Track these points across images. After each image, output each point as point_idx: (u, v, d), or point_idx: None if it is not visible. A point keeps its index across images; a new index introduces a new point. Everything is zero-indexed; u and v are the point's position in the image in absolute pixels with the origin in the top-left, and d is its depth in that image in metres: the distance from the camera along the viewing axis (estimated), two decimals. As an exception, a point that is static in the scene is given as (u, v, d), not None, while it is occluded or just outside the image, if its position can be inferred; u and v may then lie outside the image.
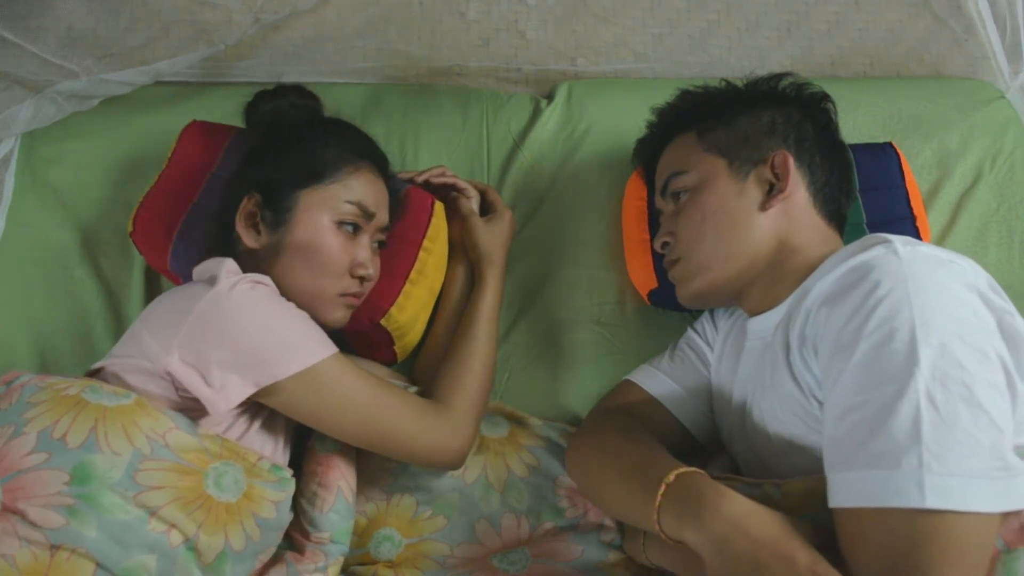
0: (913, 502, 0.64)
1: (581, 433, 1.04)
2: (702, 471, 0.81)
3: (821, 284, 0.78)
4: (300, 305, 0.96)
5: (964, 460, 0.65)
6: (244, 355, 0.86)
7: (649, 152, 1.14)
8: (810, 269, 0.88)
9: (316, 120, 1.09)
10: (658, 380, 1.06)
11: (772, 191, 0.94)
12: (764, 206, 0.93)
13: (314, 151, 1.01)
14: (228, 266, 0.91)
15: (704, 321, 1.12)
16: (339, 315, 1.02)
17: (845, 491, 0.69)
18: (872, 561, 0.66)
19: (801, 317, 0.80)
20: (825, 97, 1.04)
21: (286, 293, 0.96)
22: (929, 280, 0.71)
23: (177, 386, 0.86)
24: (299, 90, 1.11)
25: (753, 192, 0.95)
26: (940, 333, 0.68)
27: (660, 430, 1.00)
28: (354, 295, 1.03)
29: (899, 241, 0.76)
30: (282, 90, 1.11)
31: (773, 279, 0.93)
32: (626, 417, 1.01)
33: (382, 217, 1.05)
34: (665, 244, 1.02)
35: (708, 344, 1.09)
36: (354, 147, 1.05)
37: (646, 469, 0.85)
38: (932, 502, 0.63)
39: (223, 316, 0.86)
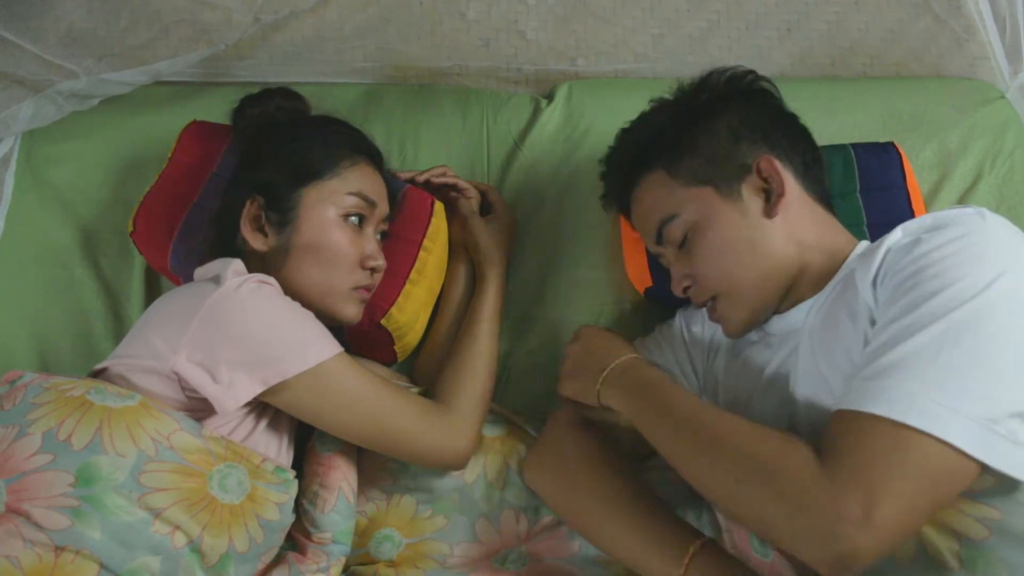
0: (896, 415, 0.66)
1: (551, 452, 1.02)
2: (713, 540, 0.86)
3: (900, 230, 0.81)
4: (313, 303, 0.97)
5: (960, 400, 0.66)
6: (252, 354, 0.86)
7: (619, 201, 1.10)
8: (831, 257, 0.90)
9: (307, 119, 1.10)
10: None
11: (770, 197, 0.92)
12: (769, 214, 0.91)
13: (310, 149, 1.02)
14: (235, 266, 0.91)
15: (680, 326, 1.11)
16: (352, 310, 1.02)
17: (850, 397, 0.72)
18: (850, 461, 0.68)
19: (877, 261, 0.80)
20: (754, 75, 1.01)
21: (299, 292, 0.97)
22: (1008, 245, 0.75)
23: (184, 386, 0.86)
24: (285, 92, 1.12)
25: (753, 206, 0.92)
26: (996, 293, 0.70)
27: (618, 435, 1.00)
28: (366, 288, 1.03)
29: (984, 210, 0.80)
30: (268, 93, 1.11)
31: (804, 278, 0.92)
32: (594, 440, 0.99)
33: (383, 207, 1.06)
34: (687, 288, 0.99)
35: (687, 349, 1.08)
36: (348, 142, 1.06)
37: (655, 529, 0.88)
38: (914, 421, 0.66)
39: (231, 315, 0.86)
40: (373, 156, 1.09)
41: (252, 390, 0.86)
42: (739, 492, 0.73)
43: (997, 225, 0.77)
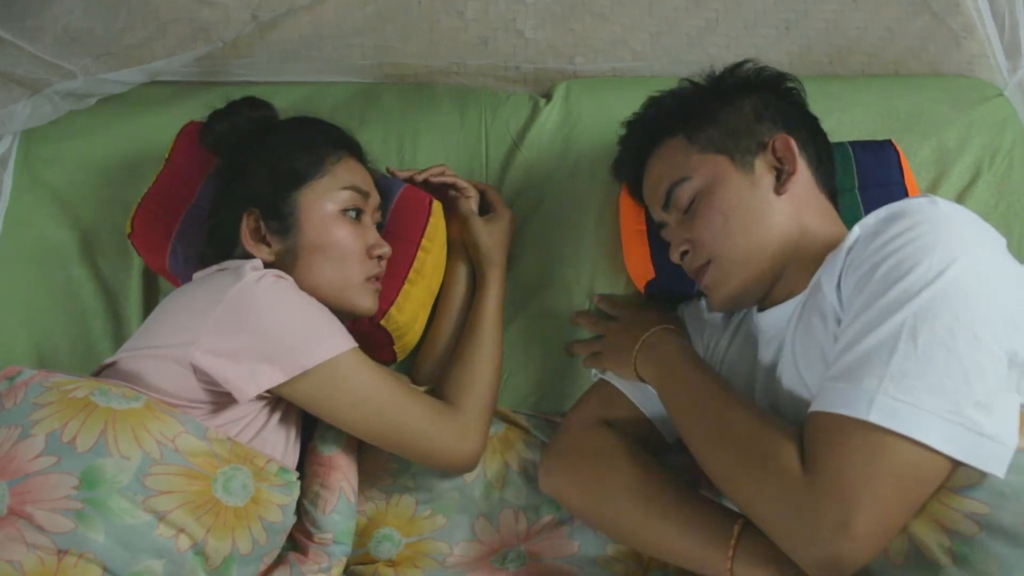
0: (859, 414, 0.68)
1: (572, 453, 1.01)
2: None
3: (858, 228, 0.81)
4: (329, 301, 0.98)
5: (921, 394, 0.67)
6: (274, 344, 0.87)
7: (632, 168, 1.11)
8: (827, 249, 0.89)
9: (282, 124, 1.10)
10: (633, 382, 1.04)
11: (781, 175, 0.95)
12: (779, 191, 0.94)
13: (294, 153, 1.02)
14: (254, 262, 0.93)
15: (682, 318, 1.12)
16: (369, 302, 1.03)
17: (818, 399, 0.74)
18: (827, 467, 0.69)
19: (839, 263, 0.81)
20: (786, 74, 1.04)
21: (313, 292, 0.97)
22: (960, 232, 0.74)
23: (200, 378, 0.86)
24: (251, 103, 1.12)
25: (764, 180, 0.95)
26: (949, 280, 0.70)
27: (635, 433, 1.01)
28: (376, 276, 1.05)
29: (937, 197, 0.80)
30: (234, 107, 1.11)
31: (798, 267, 0.93)
32: (617, 437, 1.00)
33: (375, 196, 1.07)
34: (684, 253, 1.00)
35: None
36: (328, 139, 1.07)
37: (694, 517, 0.87)
38: (875, 418, 0.67)
39: (252, 306, 0.87)
40: (353, 148, 1.10)
41: (273, 379, 0.87)
42: (739, 484, 0.77)
43: (949, 212, 0.77)
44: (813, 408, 0.74)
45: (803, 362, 0.85)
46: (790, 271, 0.94)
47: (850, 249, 0.80)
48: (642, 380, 1.01)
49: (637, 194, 1.13)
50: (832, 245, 0.91)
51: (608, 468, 0.95)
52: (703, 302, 1.11)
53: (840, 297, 0.80)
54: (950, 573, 0.68)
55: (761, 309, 0.98)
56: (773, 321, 0.94)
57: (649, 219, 1.18)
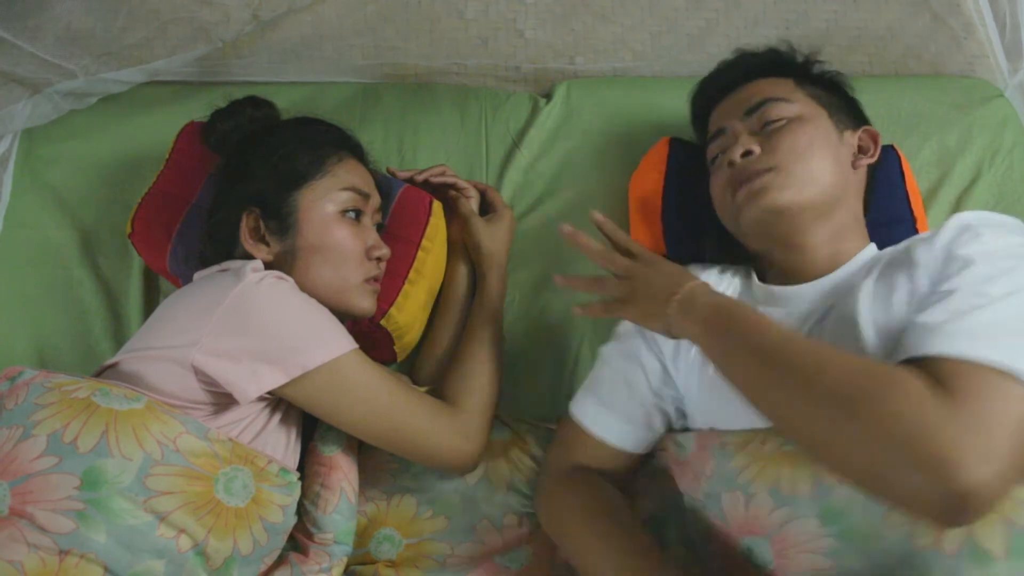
0: (1013, 363, 0.67)
1: (552, 503, 1.00)
2: None
3: (956, 218, 0.85)
4: (328, 301, 0.98)
5: None
6: (275, 345, 0.87)
7: (720, 86, 1.11)
8: (851, 238, 0.98)
9: (284, 124, 1.10)
10: (601, 418, 1.00)
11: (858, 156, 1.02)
12: (854, 164, 1.01)
13: (296, 153, 1.02)
14: (254, 263, 0.93)
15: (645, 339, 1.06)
16: (367, 303, 1.03)
17: (951, 341, 0.71)
18: (965, 397, 0.67)
19: (944, 238, 0.83)
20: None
21: (312, 293, 0.97)
22: None
23: (201, 378, 0.86)
24: (253, 102, 1.12)
25: (846, 148, 1.02)
26: None
27: (606, 468, 1.00)
28: (375, 278, 1.05)
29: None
30: (237, 106, 1.12)
31: (838, 236, 0.97)
32: (588, 488, 0.98)
33: (376, 197, 1.07)
34: (748, 153, 0.99)
35: (659, 359, 1.02)
36: (330, 139, 1.07)
37: None
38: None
39: (254, 307, 0.87)
40: (355, 149, 1.10)
41: (275, 380, 0.87)
42: (844, 431, 0.69)
43: None
44: (938, 351, 0.70)
45: (882, 316, 0.83)
46: (831, 237, 0.97)
47: (953, 229, 0.83)
48: (671, 336, 0.90)
49: (703, 112, 1.14)
50: (856, 236, 0.99)
51: (580, 525, 0.94)
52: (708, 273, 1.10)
53: (934, 267, 0.82)
54: (999, 567, 0.68)
55: (786, 283, 0.99)
56: (806, 296, 0.95)
57: (666, 198, 1.19)
